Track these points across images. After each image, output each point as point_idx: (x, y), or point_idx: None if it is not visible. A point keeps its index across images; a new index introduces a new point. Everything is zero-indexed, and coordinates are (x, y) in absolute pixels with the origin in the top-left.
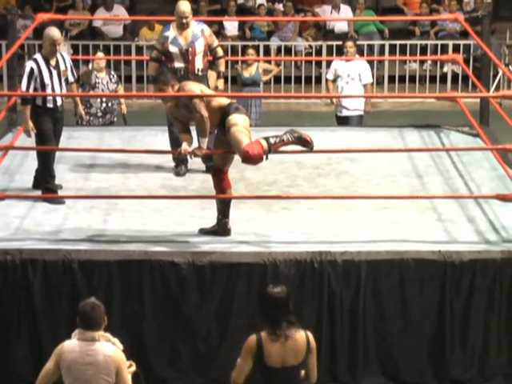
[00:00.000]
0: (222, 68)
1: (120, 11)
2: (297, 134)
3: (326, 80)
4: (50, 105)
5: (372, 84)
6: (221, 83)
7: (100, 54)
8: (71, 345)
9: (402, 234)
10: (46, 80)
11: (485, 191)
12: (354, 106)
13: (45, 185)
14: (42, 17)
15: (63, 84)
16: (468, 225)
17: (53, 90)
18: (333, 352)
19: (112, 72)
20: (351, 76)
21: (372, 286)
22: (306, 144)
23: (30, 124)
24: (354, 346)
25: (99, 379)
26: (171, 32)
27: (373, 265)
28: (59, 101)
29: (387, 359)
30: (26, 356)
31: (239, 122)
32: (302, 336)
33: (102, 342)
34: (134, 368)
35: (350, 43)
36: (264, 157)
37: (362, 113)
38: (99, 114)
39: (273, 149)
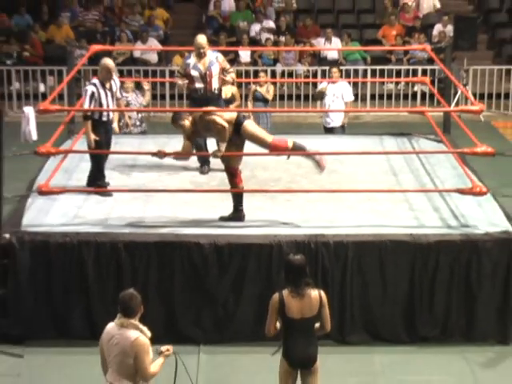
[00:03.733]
0: (230, 79)
1: (153, 42)
2: (318, 157)
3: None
4: (104, 119)
5: (352, 102)
6: (230, 76)
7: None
8: (109, 327)
9: (381, 220)
10: (103, 100)
11: (447, 186)
12: (338, 120)
13: (97, 182)
14: (95, 47)
15: (114, 102)
16: (434, 213)
17: (108, 107)
18: None
19: (137, 91)
20: (336, 95)
21: (357, 263)
22: (320, 167)
23: (93, 136)
24: (343, 311)
25: (121, 360)
26: (192, 60)
27: (358, 245)
28: (111, 115)
29: (369, 320)
30: (80, 318)
31: (255, 126)
32: (315, 294)
33: (129, 329)
34: (170, 352)
35: (334, 69)
36: (287, 154)
37: (342, 124)
38: (137, 123)
39: (296, 147)
